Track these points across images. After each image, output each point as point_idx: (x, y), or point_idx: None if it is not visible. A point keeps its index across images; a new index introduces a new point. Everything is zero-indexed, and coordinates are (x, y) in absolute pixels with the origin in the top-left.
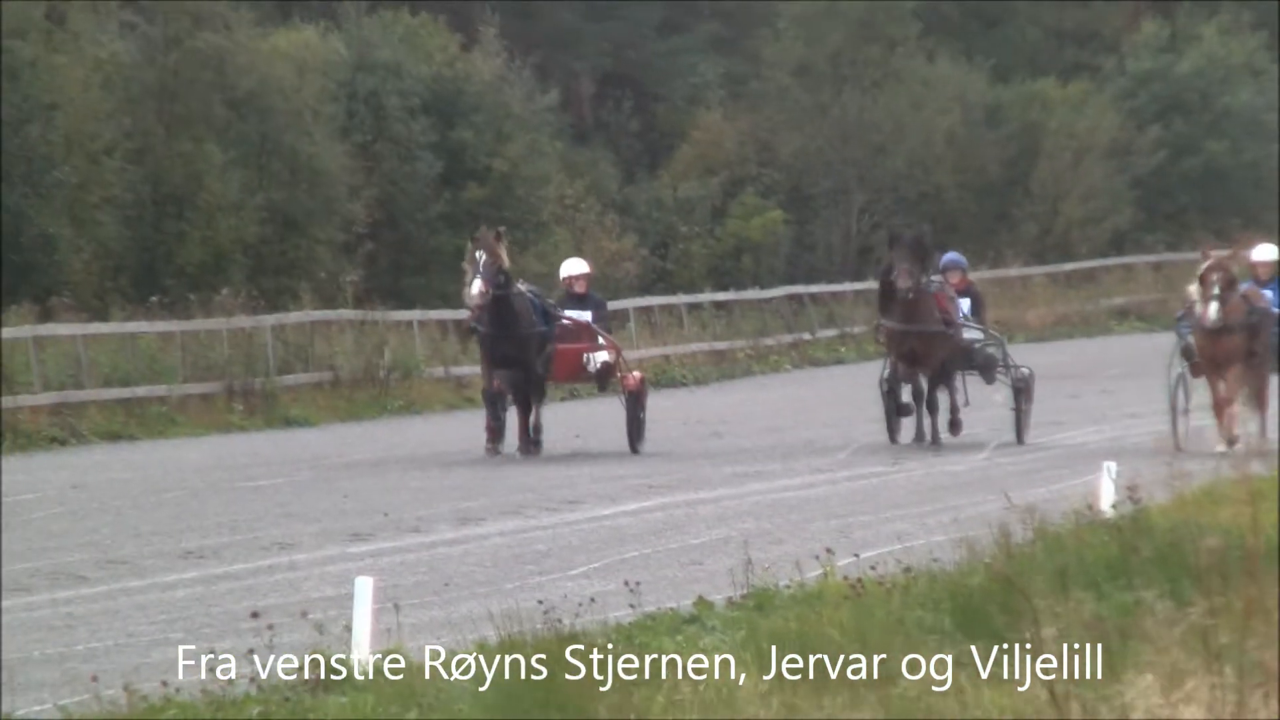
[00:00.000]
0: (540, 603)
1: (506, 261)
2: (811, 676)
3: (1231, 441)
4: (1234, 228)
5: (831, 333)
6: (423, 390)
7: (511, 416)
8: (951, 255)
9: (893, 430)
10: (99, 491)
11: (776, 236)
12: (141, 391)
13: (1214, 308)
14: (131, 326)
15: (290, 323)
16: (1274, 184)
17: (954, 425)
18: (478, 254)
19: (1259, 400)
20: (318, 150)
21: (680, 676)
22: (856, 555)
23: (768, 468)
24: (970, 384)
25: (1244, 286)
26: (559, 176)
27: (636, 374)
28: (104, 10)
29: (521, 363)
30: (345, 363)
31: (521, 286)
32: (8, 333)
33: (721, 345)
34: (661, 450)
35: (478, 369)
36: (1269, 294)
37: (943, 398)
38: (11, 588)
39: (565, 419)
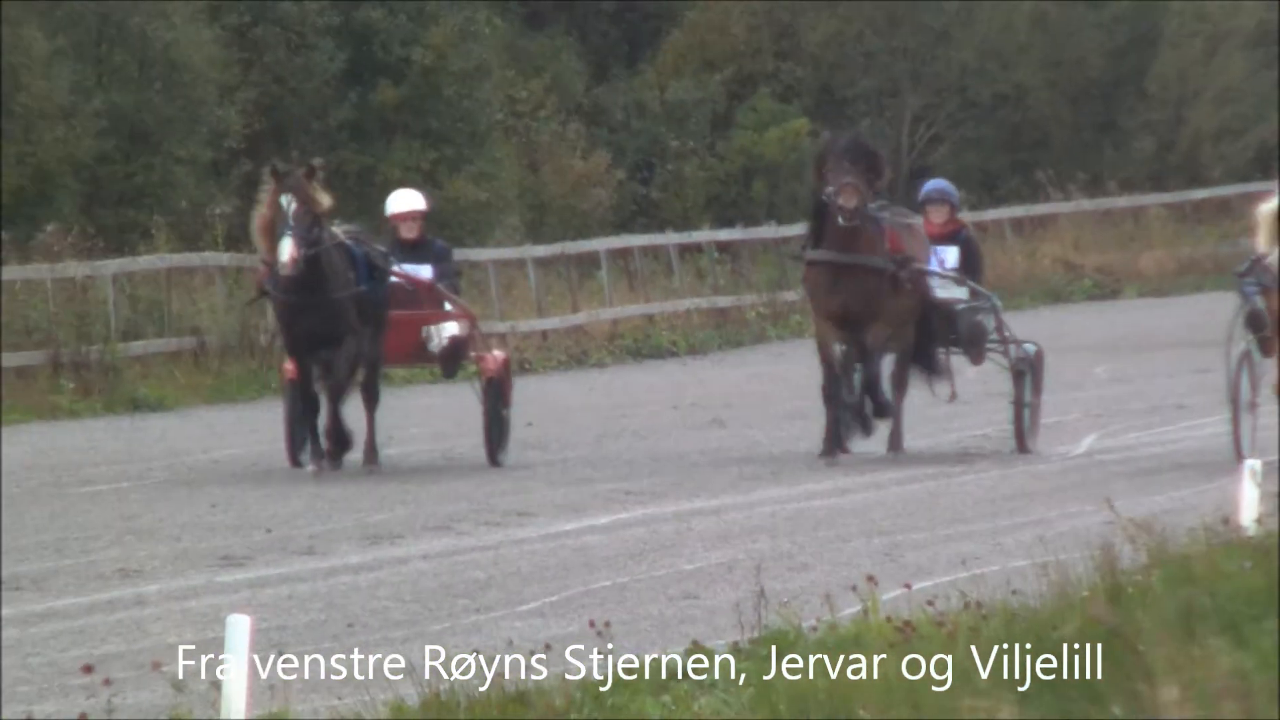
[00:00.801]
0: (477, 652)
1: (325, 205)
2: None
3: None
4: None
5: None
6: None
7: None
8: (937, 183)
9: (841, 433)
10: None
11: (800, 154)
12: None
13: None
14: None
15: (139, 270)
16: None
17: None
18: (283, 200)
19: None
20: (177, 37)
21: None
22: (908, 586)
23: (787, 467)
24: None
25: None
26: (506, 72)
27: (498, 354)
28: None
29: (337, 339)
30: (214, 325)
31: (338, 231)
32: None
33: (725, 301)
34: (644, 444)
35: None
36: None
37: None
38: None
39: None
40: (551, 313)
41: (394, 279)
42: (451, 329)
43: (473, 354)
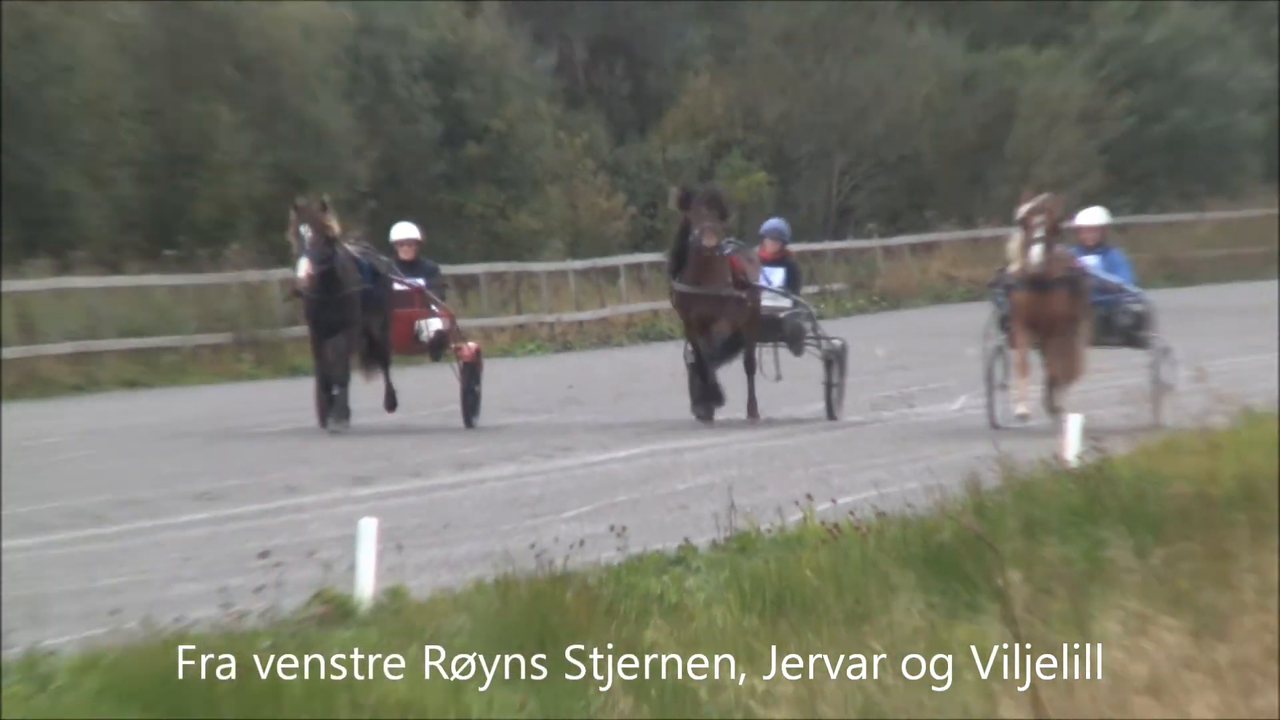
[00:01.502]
0: (532, 546)
1: (335, 230)
2: (790, 616)
3: (1024, 414)
4: (1199, 192)
5: (812, 289)
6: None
7: (377, 386)
8: (774, 222)
9: (703, 407)
10: (117, 436)
11: (761, 197)
12: (155, 341)
13: (1037, 250)
14: (146, 280)
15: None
16: (1238, 149)
17: (750, 407)
18: (302, 228)
19: (1072, 370)
20: (323, 112)
21: (665, 613)
22: (834, 501)
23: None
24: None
25: (1064, 251)
26: (556, 135)
27: (472, 344)
28: None
29: (347, 326)
30: None
31: (350, 247)
32: (29, 285)
33: None
34: (650, 402)
35: (481, 321)
36: (1092, 260)
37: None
38: (34, 526)
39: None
40: (585, 308)
41: (396, 286)
42: (436, 325)
43: (453, 345)
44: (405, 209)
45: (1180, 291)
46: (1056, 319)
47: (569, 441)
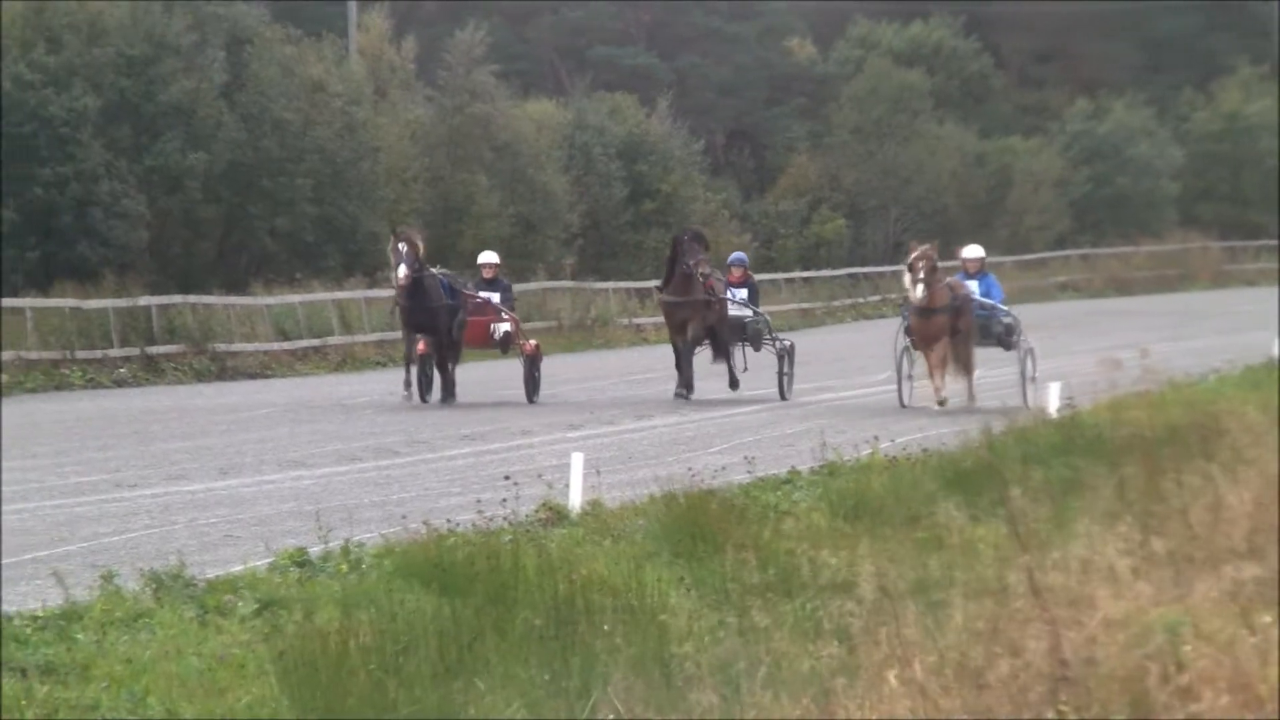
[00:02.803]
0: (689, 470)
1: (422, 249)
2: (864, 519)
3: (941, 402)
4: (1134, 232)
5: (876, 298)
6: (614, 334)
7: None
8: (738, 254)
9: (689, 385)
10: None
11: (841, 236)
12: None
13: (920, 289)
14: None
15: (529, 289)
16: (1160, 204)
17: (732, 384)
18: (400, 245)
19: (966, 367)
20: (549, 179)
21: (779, 517)
22: (892, 441)
23: (833, 383)
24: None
25: (953, 278)
26: (704, 195)
27: (533, 342)
28: (413, 87)
29: (433, 329)
30: (565, 315)
31: (434, 270)
32: (347, 294)
33: (805, 305)
34: (767, 373)
35: (654, 319)
36: (974, 284)
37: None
38: (347, 457)
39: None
40: None
41: (476, 299)
42: (505, 327)
43: (519, 342)
44: (603, 245)
45: (1123, 300)
46: (939, 334)
47: (709, 400)
